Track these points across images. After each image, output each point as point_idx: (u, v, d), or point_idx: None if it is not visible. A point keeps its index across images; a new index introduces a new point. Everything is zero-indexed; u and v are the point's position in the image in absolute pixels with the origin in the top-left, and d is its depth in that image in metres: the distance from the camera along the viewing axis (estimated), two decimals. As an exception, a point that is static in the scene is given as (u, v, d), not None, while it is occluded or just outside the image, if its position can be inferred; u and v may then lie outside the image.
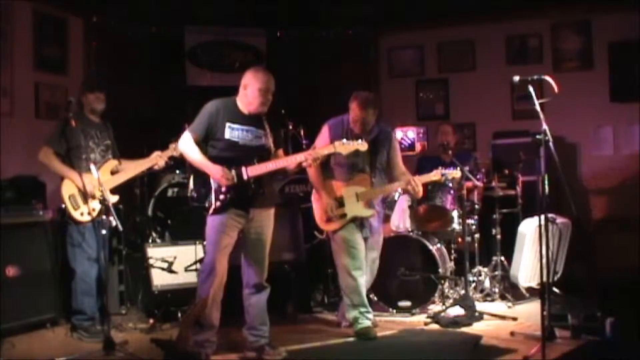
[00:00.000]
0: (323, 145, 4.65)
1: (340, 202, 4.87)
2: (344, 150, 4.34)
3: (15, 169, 5.54)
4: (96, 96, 5.00)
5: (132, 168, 5.09)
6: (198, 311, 4.19)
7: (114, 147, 5.15)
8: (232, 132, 4.21)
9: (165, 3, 6.90)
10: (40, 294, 5.11)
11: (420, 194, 4.91)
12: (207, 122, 4.23)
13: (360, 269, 4.88)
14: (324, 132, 4.96)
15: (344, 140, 4.38)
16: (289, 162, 4.31)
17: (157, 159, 5.04)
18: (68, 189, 4.81)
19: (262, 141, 4.28)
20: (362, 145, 4.38)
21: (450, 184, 5.65)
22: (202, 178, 4.20)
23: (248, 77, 4.23)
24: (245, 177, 4.14)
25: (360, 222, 4.92)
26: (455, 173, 4.94)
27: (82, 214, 4.78)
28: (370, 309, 4.97)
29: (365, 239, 4.96)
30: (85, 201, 4.78)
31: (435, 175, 4.94)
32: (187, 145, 4.26)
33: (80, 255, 4.84)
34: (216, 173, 4.12)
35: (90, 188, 4.67)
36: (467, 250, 5.63)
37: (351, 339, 4.81)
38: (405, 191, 5.15)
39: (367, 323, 4.85)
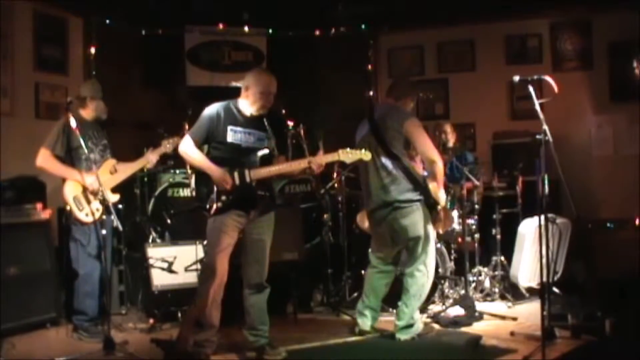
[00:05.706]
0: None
1: None
2: (347, 159, 4.25)
3: (15, 169, 5.53)
4: (104, 106, 5.02)
5: (128, 168, 5.09)
6: (198, 311, 4.19)
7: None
8: (235, 135, 4.20)
9: (165, 3, 6.89)
10: (40, 294, 5.12)
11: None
12: (207, 127, 4.21)
13: None
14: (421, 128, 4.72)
15: (348, 148, 4.26)
16: (293, 167, 4.28)
17: (149, 157, 5.04)
18: (72, 190, 4.80)
19: (265, 144, 4.27)
20: (365, 155, 4.30)
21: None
22: (204, 178, 4.18)
23: (250, 79, 4.22)
24: (248, 179, 4.14)
25: None
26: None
27: (87, 215, 4.78)
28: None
29: None
30: (89, 202, 4.78)
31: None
32: (188, 148, 4.23)
33: (85, 257, 4.85)
34: (218, 176, 4.11)
35: (94, 187, 4.67)
36: (467, 250, 5.63)
37: (351, 339, 4.82)
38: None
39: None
